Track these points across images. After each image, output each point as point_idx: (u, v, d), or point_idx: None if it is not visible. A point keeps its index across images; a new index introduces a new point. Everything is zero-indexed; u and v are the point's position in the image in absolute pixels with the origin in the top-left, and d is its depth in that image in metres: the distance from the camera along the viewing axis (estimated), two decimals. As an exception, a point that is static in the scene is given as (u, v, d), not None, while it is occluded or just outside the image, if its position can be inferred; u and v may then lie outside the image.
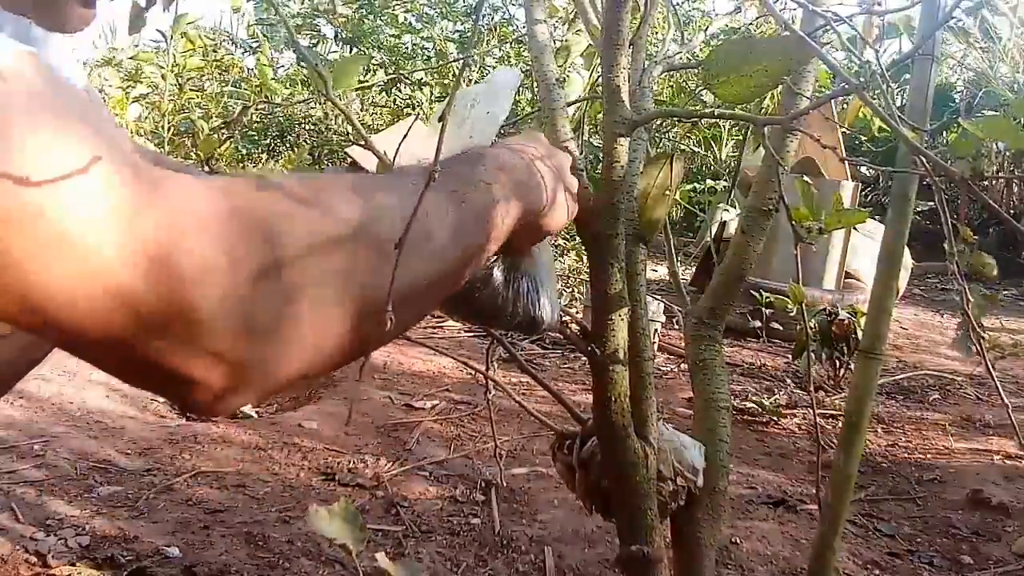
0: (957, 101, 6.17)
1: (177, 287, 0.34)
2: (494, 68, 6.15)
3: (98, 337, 0.35)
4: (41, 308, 0.33)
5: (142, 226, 0.34)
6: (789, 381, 2.70)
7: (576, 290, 3.33)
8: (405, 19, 6.09)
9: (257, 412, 2.17)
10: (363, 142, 0.66)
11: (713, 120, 5.61)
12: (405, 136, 0.68)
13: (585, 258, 0.70)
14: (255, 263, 0.37)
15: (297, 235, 0.40)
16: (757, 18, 1.45)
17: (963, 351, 0.73)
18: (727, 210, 2.72)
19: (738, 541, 1.48)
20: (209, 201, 0.37)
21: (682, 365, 2.75)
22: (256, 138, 6.16)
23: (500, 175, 0.57)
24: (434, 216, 0.48)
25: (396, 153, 0.65)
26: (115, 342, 0.35)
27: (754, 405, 2.29)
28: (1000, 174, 4.74)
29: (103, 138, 0.34)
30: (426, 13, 6.30)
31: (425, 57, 6.28)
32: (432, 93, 5.78)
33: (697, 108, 0.72)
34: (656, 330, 2.86)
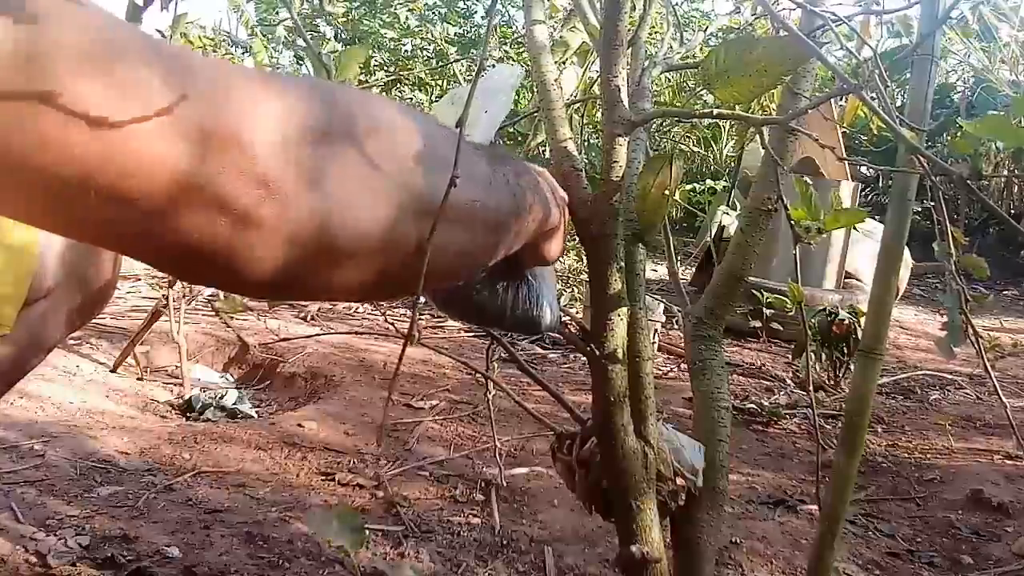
0: (956, 101, 6.17)
1: (233, 121, 0.37)
2: (493, 68, 6.13)
3: (159, 172, 0.35)
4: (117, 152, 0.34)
5: (197, 80, 0.36)
6: (789, 381, 2.70)
7: (576, 290, 3.33)
8: (406, 20, 6.09)
9: (257, 412, 2.17)
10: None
11: (713, 120, 5.61)
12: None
13: (585, 258, 0.70)
14: (311, 121, 0.40)
15: (357, 112, 0.43)
16: (756, 18, 1.45)
17: (945, 353, 0.73)
18: (727, 212, 2.72)
19: (738, 541, 1.48)
20: (266, 75, 0.41)
21: (682, 365, 2.75)
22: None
23: (524, 176, 0.58)
24: (474, 165, 0.50)
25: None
26: (172, 175, 0.36)
27: (754, 405, 2.29)
28: (999, 174, 4.74)
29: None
30: (426, 14, 6.30)
31: (425, 58, 6.28)
32: (432, 93, 5.77)
33: (697, 108, 0.72)
34: (656, 330, 2.86)
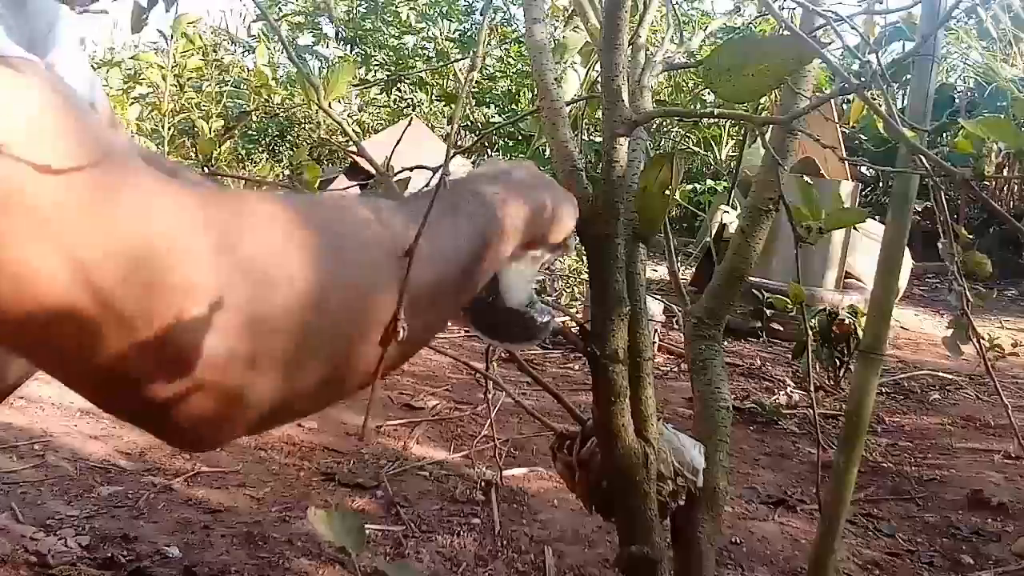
0: (957, 101, 6.17)
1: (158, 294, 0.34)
2: (493, 67, 6.14)
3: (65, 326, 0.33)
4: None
5: (126, 223, 0.33)
6: (789, 381, 2.70)
7: (576, 290, 3.33)
8: (407, 18, 6.09)
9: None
10: (357, 149, 0.66)
11: (713, 120, 5.61)
12: (398, 142, 0.68)
13: (585, 258, 0.70)
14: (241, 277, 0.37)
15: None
16: (756, 17, 1.45)
17: (953, 351, 0.73)
18: (727, 211, 2.72)
19: (738, 541, 1.48)
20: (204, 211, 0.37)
21: (682, 365, 2.75)
22: (256, 138, 6.17)
23: (498, 186, 0.57)
24: (434, 229, 0.48)
25: (388, 158, 0.65)
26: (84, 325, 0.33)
27: (754, 405, 2.28)
28: (1000, 174, 4.74)
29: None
30: (427, 13, 6.29)
31: (426, 57, 6.27)
32: (432, 93, 5.76)
33: (697, 108, 0.72)
34: (656, 330, 2.86)
